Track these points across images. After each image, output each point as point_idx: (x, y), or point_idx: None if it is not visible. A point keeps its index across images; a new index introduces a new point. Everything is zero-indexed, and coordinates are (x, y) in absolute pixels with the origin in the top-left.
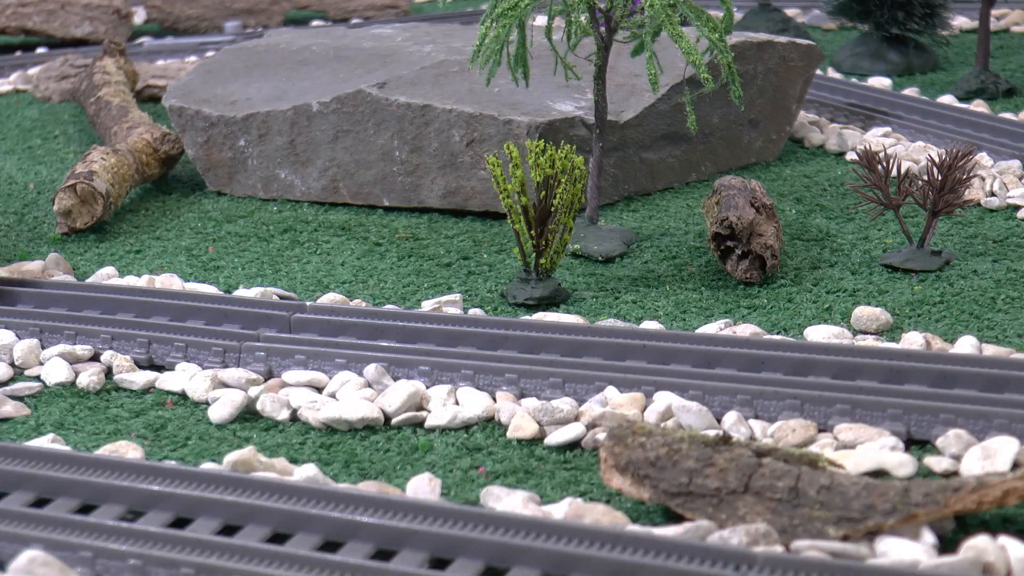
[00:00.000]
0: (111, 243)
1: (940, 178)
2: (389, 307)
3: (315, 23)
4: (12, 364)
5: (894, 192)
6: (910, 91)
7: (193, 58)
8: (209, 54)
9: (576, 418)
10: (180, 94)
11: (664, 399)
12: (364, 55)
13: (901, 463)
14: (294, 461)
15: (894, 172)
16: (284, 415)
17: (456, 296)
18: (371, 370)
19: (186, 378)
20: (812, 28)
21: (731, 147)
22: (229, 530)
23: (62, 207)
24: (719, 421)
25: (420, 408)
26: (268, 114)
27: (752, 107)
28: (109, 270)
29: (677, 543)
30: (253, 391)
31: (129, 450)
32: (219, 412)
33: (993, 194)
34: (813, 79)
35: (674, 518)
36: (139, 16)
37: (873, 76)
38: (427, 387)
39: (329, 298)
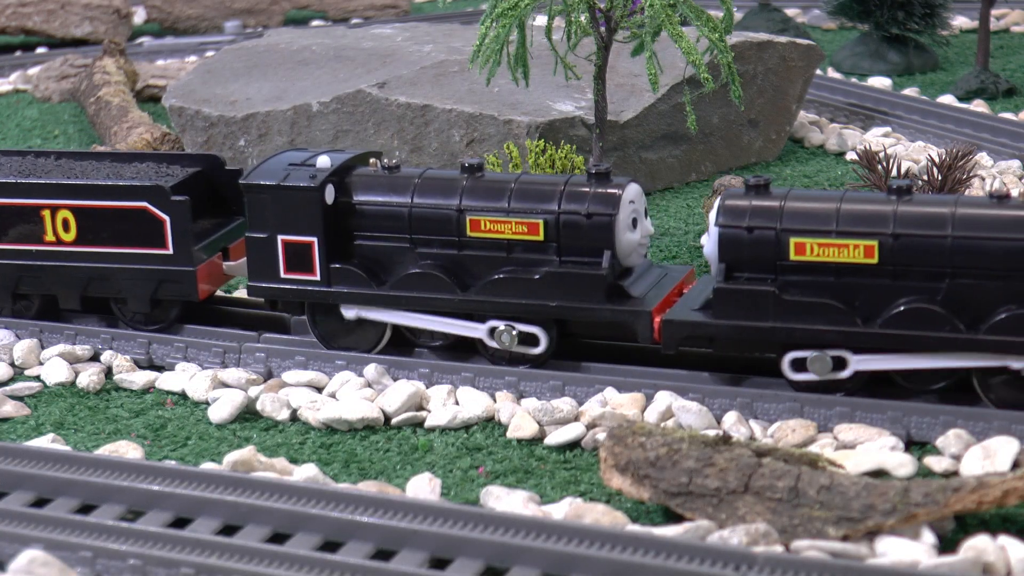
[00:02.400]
0: None
1: (940, 178)
2: None
3: (315, 23)
4: (12, 364)
5: None
6: (910, 91)
7: (193, 58)
8: (209, 54)
9: (576, 418)
10: (180, 94)
11: (664, 399)
12: (364, 55)
13: (901, 463)
14: (294, 461)
15: (894, 172)
16: (284, 415)
17: None
18: (371, 370)
19: (186, 378)
20: (812, 28)
21: (731, 147)
22: (229, 530)
23: None
24: (719, 421)
25: (420, 408)
26: (268, 114)
27: (752, 107)
28: None
29: (677, 543)
30: (253, 391)
31: (129, 450)
32: (219, 412)
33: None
34: (813, 79)
35: (674, 518)
36: (139, 16)
37: (873, 76)
38: (427, 387)
39: None
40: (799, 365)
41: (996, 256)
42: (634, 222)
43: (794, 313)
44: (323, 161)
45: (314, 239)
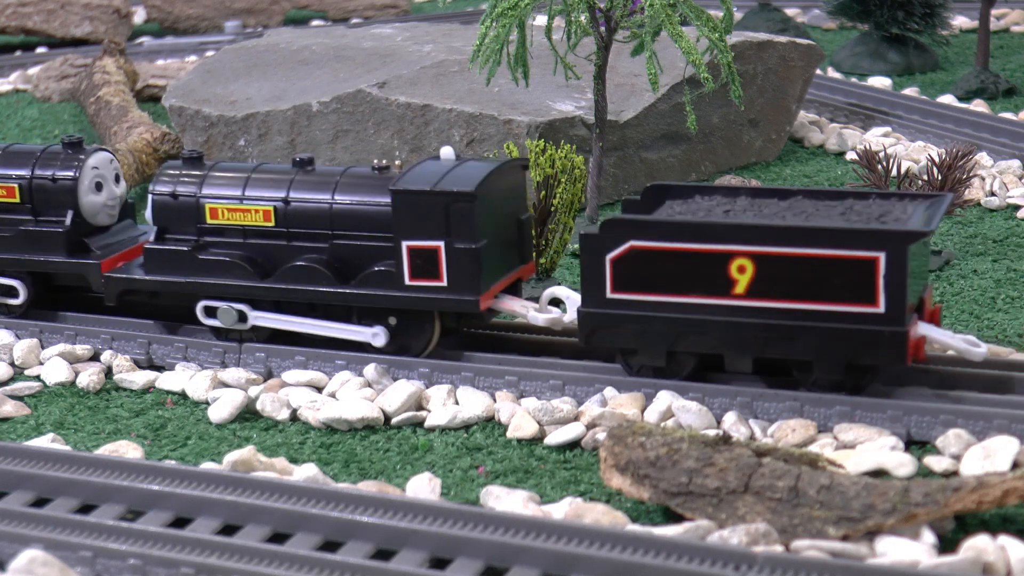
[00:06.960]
0: None
1: (940, 178)
2: None
3: (315, 23)
4: (12, 364)
5: None
6: (910, 91)
7: (193, 58)
8: (209, 54)
9: (576, 418)
10: (180, 94)
11: (664, 399)
12: (364, 55)
13: (901, 463)
14: (294, 461)
15: (894, 172)
16: (284, 415)
17: None
18: (371, 370)
19: (186, 378)
20: (812, 28)
21: (731, 147)
22: (229, 530)
23: None
24: (719, 421)
25: (420, 408)
26: (268, 114)
27: (752, 107)
28: None
29: (677, 543)
30: (253, 391)
31: (129, 450)
32: (219, 412)
33: (993, 194)
34: (813, 79)
35: (674, 518)
36: (139, 16)
37: (873, 76)
38: (426, 387)
39: None
40: (211, 312)
41: (368, 220)
42: (98, 185)
43: (207, 270)
44: None
45: None
